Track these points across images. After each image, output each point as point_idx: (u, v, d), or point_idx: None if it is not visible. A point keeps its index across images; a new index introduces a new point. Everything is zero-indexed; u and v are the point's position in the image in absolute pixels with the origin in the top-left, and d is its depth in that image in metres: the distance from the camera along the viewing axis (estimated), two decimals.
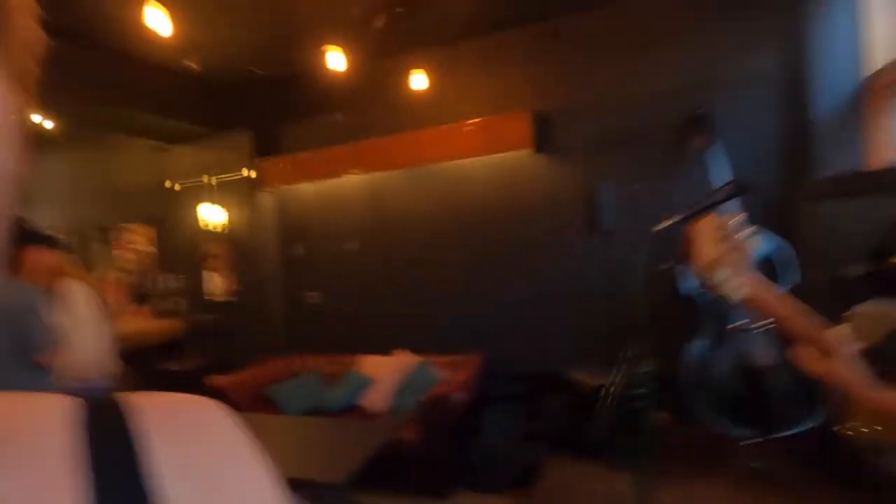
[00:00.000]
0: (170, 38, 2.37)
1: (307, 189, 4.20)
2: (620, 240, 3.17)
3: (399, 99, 3.65)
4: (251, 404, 3.43)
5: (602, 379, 2.28)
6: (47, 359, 2.18)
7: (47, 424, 0.27)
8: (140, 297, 4.71)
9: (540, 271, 3.52)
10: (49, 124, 4.40)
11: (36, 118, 4.18)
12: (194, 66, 2.80)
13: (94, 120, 3.99)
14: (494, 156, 3.49)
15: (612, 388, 1.90)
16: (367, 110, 3.92)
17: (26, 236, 2.50)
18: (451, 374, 3.22)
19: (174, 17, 2.34)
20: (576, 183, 3.38)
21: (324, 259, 4.22)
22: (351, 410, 3.30)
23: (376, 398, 3.34)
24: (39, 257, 2.62)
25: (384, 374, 3.47)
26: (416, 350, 3.64)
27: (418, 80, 3.01)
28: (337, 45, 2.55)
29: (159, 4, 2.12)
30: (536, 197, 3.52)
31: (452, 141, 3.49)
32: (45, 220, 5.25)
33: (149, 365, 4.40)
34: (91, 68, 3.24)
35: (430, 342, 3.73)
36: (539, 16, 3.27)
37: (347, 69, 2.81)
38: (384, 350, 3.72)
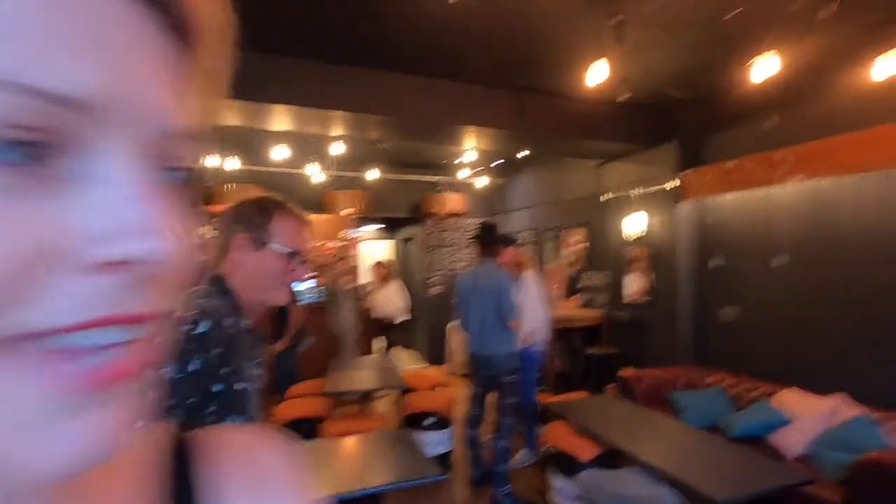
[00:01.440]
0: (609, 79, 2.90)
1: (732, 199, 4.01)
2: None
3: (859, 91, 2.97)
4: (650, 402, 3.68)
5: None
6: (514, 324, 3.16)
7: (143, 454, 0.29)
8: (572, 288, 5.75)
9: None
10: (523, 153, 5.97)
11: (521, 153, 5.75)
12: (626, 96, 3.24)
13: (552, 148, 5.16)
14: None
15: None
16: (811, 109, 3.37)
17: (502, 239, 3.63)
18: None
19: (613, 62, 2.84)
20: None
21: (746, 273, 3.93)
22: (754, 441, 3.03)
23: (790, 438, 2.93)
24: (510, 253, 3.74)
25: (807, 414, 2.99)
26: (860, 398, 2.93)
27: (886, 65, 2.39)
28: (770, 48, 2.39)
29: (606, 59, 2.67)
30: None
31: None
32: (518, 224, 7.13)
33: (571, 345, 5.34)
34: (552, 112, 4.25)
35: (881, 393, 2.91)
36: None
37: (785, 68, 2.57)
38: (809, 386, 3.18)
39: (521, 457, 3.77)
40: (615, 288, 5.12)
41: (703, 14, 2.65)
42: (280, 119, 3.90)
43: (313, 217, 7.35)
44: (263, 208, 1.00)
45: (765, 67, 2.44)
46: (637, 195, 4.75)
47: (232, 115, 3.80)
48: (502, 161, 7.13)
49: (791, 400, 3.19)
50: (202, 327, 0.84)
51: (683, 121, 4.35)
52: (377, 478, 2.13)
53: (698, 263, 4.31)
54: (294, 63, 3.50)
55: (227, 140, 5.45)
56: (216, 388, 0.85)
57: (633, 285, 4.84)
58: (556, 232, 6.56)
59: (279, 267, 0.98)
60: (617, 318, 5.04)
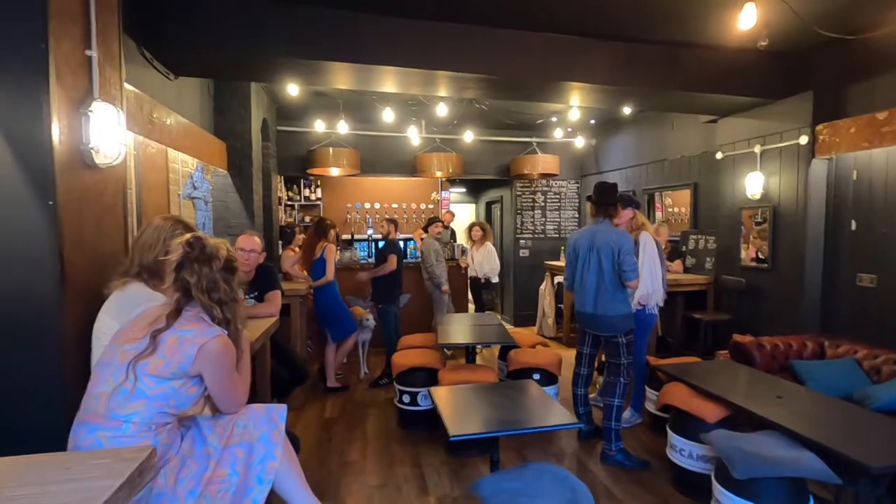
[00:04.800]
0: (748, 27, 2.66)
1: (882, 154, 3.61)
2: None
3: None
4: (768, 370, 3.52)
5: None
6: (632, 285, 3.14)
7: None
8: (675, 251, 5.52)
9: None
10: (628, 109, 5.64)
11: (626, 109, 5.45)
12: (763, 44, 2.97)
13: (663, 104, 4.85)
14: None
15: None
16: None
17: (621, 199, 3.53)
18: None
19: (759, 4, 2.61)
20: None
21: (887, 238, 3.58)
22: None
23: None
24: (625, 213, 3.66)
25: None
26: None
27: None
28: None
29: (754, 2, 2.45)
30: None
31: None
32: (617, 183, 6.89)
33: (673, 309, 5.17)
34: (666, 64, 3.98)
35: None
36: None
37: None
38: None
39: (627, 416, 3.79)
40: (725, 251, 4.86)
41: None
42: (386, 80, 3.95)
43: (405, 180, 7.51)
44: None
45: None
46: (759, 152, 4.41)
47: (343, 78, 3.89)
48: (595, 121, 6.85)
49: None
50: None
51: (821, 68, 3.94)
52: (515, 422, 2.25)
53: (832, 226, 3.97)
54: (397, 22, 3.49)
55: (335, 105, 5.68)
56: None
57: (750, 249, 4.57)
58: (654, 193, 6.28)
59: None
60: (726, 283, 4.80)
